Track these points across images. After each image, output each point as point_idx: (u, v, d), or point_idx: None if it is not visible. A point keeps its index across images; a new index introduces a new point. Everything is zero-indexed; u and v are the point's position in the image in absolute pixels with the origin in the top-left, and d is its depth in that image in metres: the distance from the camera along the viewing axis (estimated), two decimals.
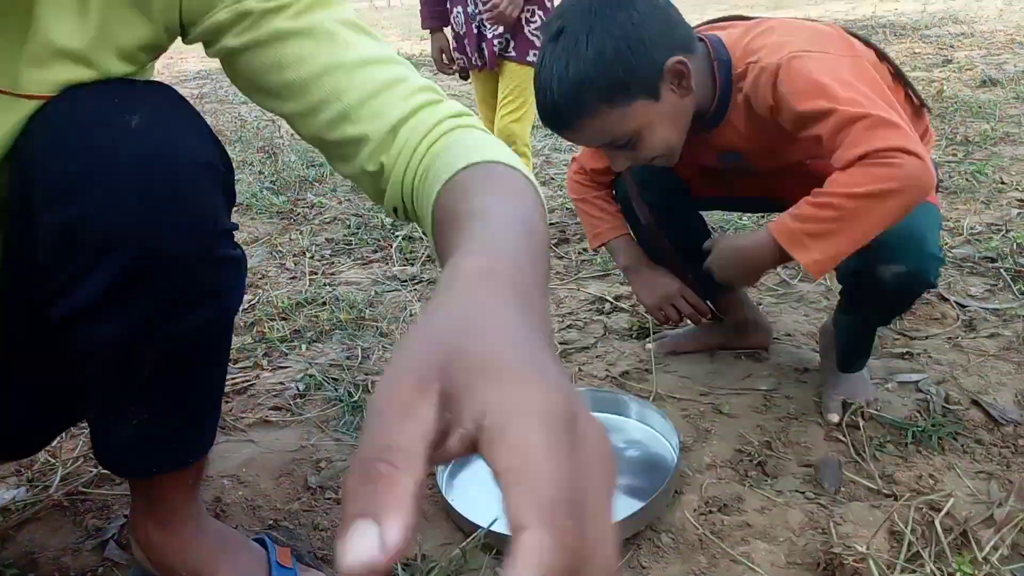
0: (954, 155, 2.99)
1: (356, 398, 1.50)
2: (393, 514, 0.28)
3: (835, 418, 1.33)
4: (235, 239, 0.80)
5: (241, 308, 2.04)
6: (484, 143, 0.62)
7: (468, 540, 1.08)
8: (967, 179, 2.69)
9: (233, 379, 1.61)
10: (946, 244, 2.17)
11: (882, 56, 1.23)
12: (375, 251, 2.50)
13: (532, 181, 0.58)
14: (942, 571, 0.95)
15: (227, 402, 1.56)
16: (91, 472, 1.29)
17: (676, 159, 1.25)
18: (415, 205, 0.66)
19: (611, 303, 1.96)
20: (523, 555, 0.26)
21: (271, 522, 1.16)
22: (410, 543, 0.28)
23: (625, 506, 1.11)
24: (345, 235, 2.63)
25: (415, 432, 0.29)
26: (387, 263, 2.38)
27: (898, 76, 1.24)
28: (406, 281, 2.23)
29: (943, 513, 1.08)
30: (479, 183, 0.55)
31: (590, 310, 1.95)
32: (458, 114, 0.69)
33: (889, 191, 1.01)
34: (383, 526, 0.27)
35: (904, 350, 1.63)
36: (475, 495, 1.21)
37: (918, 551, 1.00)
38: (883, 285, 1.16)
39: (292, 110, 0.71)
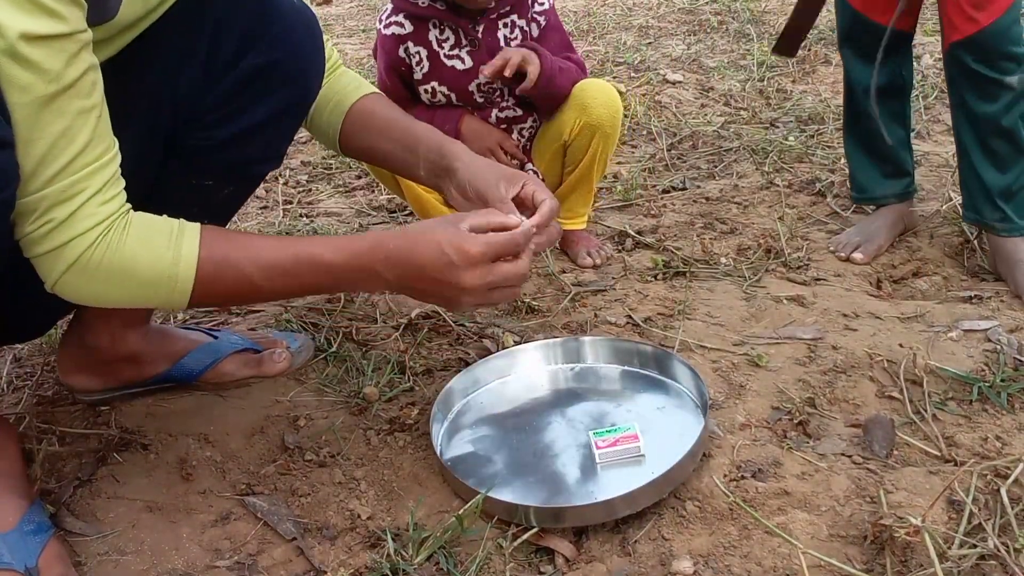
0: None
1: (337, 347, 1.50)
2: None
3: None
4: None
5: None
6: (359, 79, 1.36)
7: (466, 507, 1.09)
8: None
9: (198, 324, 1.61)
10: None
11: None
12: (359, 176, 2.48)
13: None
14: (1007, 546, 0.96)
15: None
16: None
17: None
18: (320, 99, 1.28)
19: (633, 238, 1.95)
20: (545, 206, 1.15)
21: (243, 486, 1.18)
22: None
23: (646, 471, 1.12)
24: (324, 158, 2.60)
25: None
26: (373, 191, 2.36)
27: None
28: (394, 212, 2.21)
29: (1011, 481, 1.08)
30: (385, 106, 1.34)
31: (609, 246, 1.93)
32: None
33: None
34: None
35: (971, 293, 1.62)
36: (474, 458, 1.22)
37: (980, 523, 1.01)
38: None
39: None
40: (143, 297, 0.99)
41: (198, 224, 1.00)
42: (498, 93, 1.79)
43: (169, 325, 1.55)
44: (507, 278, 1.06)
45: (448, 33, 1.73)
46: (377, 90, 1.37)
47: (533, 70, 1.65)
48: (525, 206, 1.17)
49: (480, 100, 1.80)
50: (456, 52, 1.74)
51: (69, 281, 0.94)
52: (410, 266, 1.05)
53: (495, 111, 1.81)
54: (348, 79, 1.34)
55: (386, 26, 1.75)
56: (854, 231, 1.85)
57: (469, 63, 1.75)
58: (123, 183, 0.97)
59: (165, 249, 0.97)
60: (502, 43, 1.73)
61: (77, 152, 0.89)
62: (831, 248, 1.83)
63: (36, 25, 0.81)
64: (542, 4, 1.75)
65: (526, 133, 1.86)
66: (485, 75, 1.64)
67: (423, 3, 1.69)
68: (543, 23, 1.75)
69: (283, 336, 1.49)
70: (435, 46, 1.73)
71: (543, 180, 1.89)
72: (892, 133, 1.79)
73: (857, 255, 1.77)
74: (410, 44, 1.74)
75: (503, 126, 1.83)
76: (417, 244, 1.05)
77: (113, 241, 0.94)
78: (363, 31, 4.25)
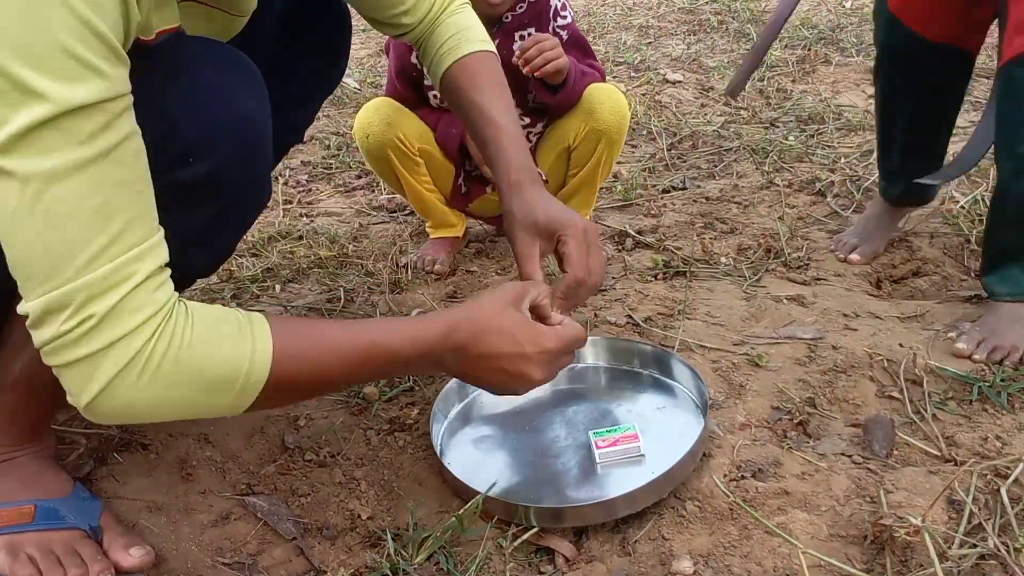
0: None
1: None
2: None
3: (965, 348, 1.39)
4: None
5: None
6: (477, 27, 1.27)
7: (466, 507, 1.09)
8: None
9: None
10: None
11: None
12: (359, 176, 2.48)
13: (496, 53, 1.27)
14: (1007, 546, 0.96)
15: None
16: None
17: None
18: (422, 52, 1.28)
19: (633, 238, 1.95)
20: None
21: (243, 487, 1.18)
22: None
23: (646, 471, 1.12)
24: (324, 158, 2.60)
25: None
26: (373, 191, 2.36)
27: None
28: (395, 212, 2.22)
29: (1011, 481, 1.08)
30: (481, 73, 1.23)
31: (609, 246, 1.94)
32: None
33: None
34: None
35: (972, 293, 1.62)
36: (474, 458, 1.22)
37: (980, 523, 1.01)
38: None
39: None
40: (205, 402, 0.83)
41: (261, 313, 0.88)
42: None
43: None
44: (561, 366, 1.06)
45: None
46: (476, 47, 1.23)
47: (562, 61, 1.66)
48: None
49: None
50: None
51: (118, 389, 0.77)
52: (481, 356, 0.98)
53: None
54: (449, 33, 1.23)
55: None
56: (852, 231, 1.85)
57: None
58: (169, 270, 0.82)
59: (239, 340, 0.83)
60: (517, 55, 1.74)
61: (119, 231, 0.75)
62: (831, 248, 1.83)
63: (81, 93, 0.70)
64: (564, 18, 1.76)
65: (532, 139, 1.86)
66: (516, 57, 1.66)
67: None
68: (565, 37, 1.75)
69: None
70: None
71: (546, 182, 1.90)
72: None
73: (854, 256, 1.77)
74: None
75: None
76: (489, 333, 0.98)
77: (178, 332, 0.80)
78: (363, 30, 4.24)
